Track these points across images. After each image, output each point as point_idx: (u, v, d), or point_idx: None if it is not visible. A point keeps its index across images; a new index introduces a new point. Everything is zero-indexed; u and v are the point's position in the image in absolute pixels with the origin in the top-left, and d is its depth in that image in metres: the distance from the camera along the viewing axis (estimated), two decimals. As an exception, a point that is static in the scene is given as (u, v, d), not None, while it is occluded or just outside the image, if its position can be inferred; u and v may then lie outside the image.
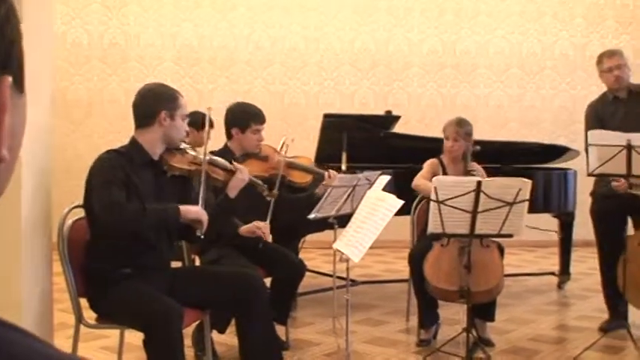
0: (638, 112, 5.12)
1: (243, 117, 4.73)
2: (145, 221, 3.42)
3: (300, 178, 4.94)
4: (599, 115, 5.30)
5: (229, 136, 4.76)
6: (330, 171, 4.99)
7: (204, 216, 3.53)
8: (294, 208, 4.89)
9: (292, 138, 4.88)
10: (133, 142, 3.61)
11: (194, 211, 3.52)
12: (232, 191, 3.85)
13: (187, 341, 4.23)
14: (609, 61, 5.25)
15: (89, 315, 3.62)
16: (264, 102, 8.93)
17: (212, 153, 4.02)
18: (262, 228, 4.43)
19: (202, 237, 3.57)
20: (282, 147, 4.87)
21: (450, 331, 4.92)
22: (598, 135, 4.72)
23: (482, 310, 4.86)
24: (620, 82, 5.22)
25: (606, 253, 5.28)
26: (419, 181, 5.10)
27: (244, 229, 4.45)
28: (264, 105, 8.98)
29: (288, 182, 4.86)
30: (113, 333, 4.37)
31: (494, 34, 9.61)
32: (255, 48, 9.23)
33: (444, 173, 5.11)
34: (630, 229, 5.16)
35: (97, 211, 3.40)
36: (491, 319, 4.98)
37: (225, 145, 4.76)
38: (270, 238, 4.53)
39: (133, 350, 4.22)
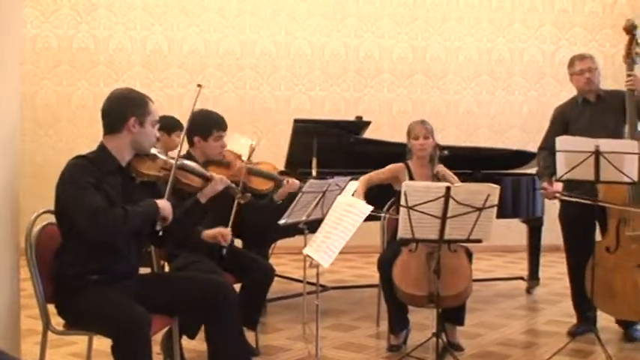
0: (603, 116, 5.17)
1: (206, 124, 4.68)
2: (129, 224, 3.39)
3: (260, 185, 4.86)
4: (566, 118, 5.36)
5: (191, 143, 4.73)
6: (289, 179, 4.97)
7: (170, 211, 3.54)
8: (257, 214, 4.89)
9: (254, 141, 4.84)
10: (102, 148, 3.56)
11: (168, 208, 3.53)
12: (204, 198, 3.86)
13: (156, 348, 4.22)
14: (581, 63, 5.31)
15: (57, 321, 3.58)
16: (234, 107, 8.97)
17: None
18: (225, 235, 4.39)
19: (160, 232, 3.55)
20: (250, 153, 4.83)
21: (420, 336, 4.93)
22: (566, 141, 4.76)
23: (452, 315, 4.88)
24: (591, 85, 5.28)
25: (574, 259, 5.33)
26: (362, 180, 5.13)
27: (208, 233, 4.41)
28: (235, 110, 9.04)
29: (250, 189, 4.78)
30: (81, 339, 4.33)
31: (464, 40, 9.68)
32: (225, 53, 9.21)
33: (411, 178, 5.12)
34: (599, 236, 5.20)
35: (82, 222, 3.34)
36: (461, 323, 5.00)
37: (188, 152, 4.72)
38: (228, 241, 4.47)
39: (102, 357, 4.18)
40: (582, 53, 5.49)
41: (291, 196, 4.79)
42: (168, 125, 5.62)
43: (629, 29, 5.10)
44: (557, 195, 5.09)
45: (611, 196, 4.86)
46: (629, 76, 5.03)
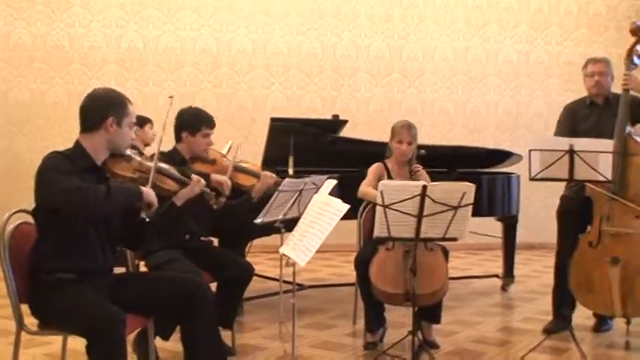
0: (609, 119, 5.20)
1: (195, 121, 4.75)
2: (114, 199, 3.37)
3: (245, 181, 4.97)
4: (574, 116, 5.42)
5: (179, 138, 4.75)
6: (266, 172, 5.03)
7: (155, 198, 3.54)
8: (230, 214, 4.90)
9: (238, 144, 4.87)
10: (77, 145, 3.55)
11: (151, 192, 3.54)
12: (180, 200, 3.87)
13: (130, 348, 4.19)
14: (593, 66, 5.38)
15: (31, 321, 3.54)
16: (211, 105, 8.92)
17: (160, 154, 4.00)
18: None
19: (147, 220, 3.54)
20: (228, 150, 4.88)
21: (396, 334, 4.94)
22: (540, 140, 4.80)
23: (428, 313, 4.90)
24: (599, 88, 5.33)
25: (563, 254, 5.35)
26: (364, 188, 5.13)
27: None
28: (211, 108, 8.93)
29: (236, 185, 4.87)
30: (56, 339, 4.30)
31: (440, 40, 9.71)
32: (201, 51, 9.18)
33: (389, 178, 5.14)
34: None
35: (61, 200, 3.30)
36: (437, 321, 5.02)
37: (174, 148, 4.76)
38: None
39: (76, 357, 4.16)
40: (597, 57, 5.55)
41: (268, 195, 4.80)
42: (138, 120, 5.78)
43: (636, 31, 5.18)
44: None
45: (597, 192, 4.93)
46: (625, 75, 5.10)
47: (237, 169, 4.95)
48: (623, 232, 4.95)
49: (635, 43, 5.19)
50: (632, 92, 5.11)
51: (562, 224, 5.44)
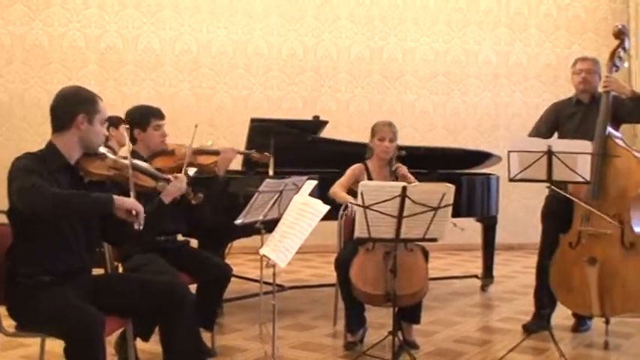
0: (594, 117, 5.23)
1: (142, 115, 4.76)
2: (70, 201, 3.28)
3: (206, 161, 4.99)
4: (558, 114, 5.48)
5: (133, 140, 4.73)
6: (225, 147, 5.11)
7: (139, 206, 3.42)
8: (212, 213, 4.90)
9: (196, 124, 4.82)
10: (50, 145, 3.52)
11: (130, 201, 3.42)
12: (168, 197, 3.86)
13: (110, 349, 4.18)
14: (581, 64, 5.45)
15: (8, 323, 3.52)
16: (191, 106, 8.92)
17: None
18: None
19: (141, 228, 3.47)
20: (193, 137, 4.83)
21: (377, 334, 4.96)
22: (519, 141, 4.83)
23: (408, 313, 4.91)
24: (585, 85, 5.39)
25: (546, 253, 5.38)
26: (336, 189, 5.15)
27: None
28: (191, 109, 9.00)
29: (198, 166, 4.89)
30: (34, 342, 4.26)
31: (420, 41, 9.74)
32: (181, 51, 9.16)
33: (369, 178, 5.15)
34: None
35: (15, 197, 3.28)
36: (417, 321, 5.03)
37: (132, 150, 4.69)
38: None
39: (55, 359, 4.14)
40: (587, 56, 5.62)
41: (248, 196, 4.78)
42: (114, 120, 6.04)
43: (619, 34, 5.25)
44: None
45: (580, 189, 4.97)
46: (606, 77, 5.15)
47: (196, 151, 4.92)
48: (600, 233, 4.98)
49: (618, 46, 5.24)
50: (612, 93, 5.14)
51: (545, 224, 5.48)
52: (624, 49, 5.26)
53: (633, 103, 5.18)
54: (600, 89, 5.22)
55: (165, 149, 4.80)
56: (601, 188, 4.95)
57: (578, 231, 5.07)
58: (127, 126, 4.55)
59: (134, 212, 3.38)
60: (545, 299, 5.31)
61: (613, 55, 5.24)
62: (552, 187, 4.78)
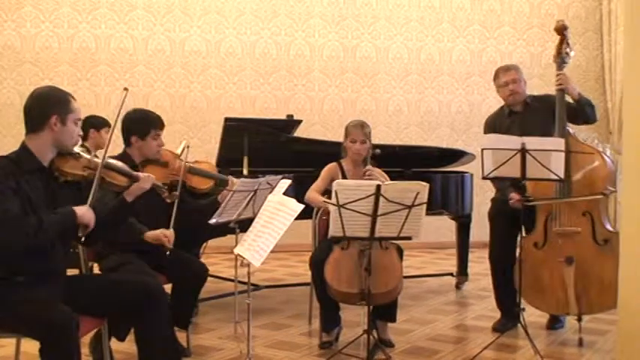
0: (532, 123, 5.25)
1: (143, 124, 4.69)
2: (44, 234, 3.31)
3: (200, 184, 4.92)
4: (496, 129, 5.40)
5: (128, 143, 4.69)
6: (232, 178, 4.98)
7: (92, 218, 3.46)
8: (197, 214, 4.85)
9: (188, 145, 4.82)
10: (23, 147, 3.50)
11: (87, 215, 3.44)
12: (129, 196, 3.81)
13: (85, 349, 4.15)
14: (505, 75, 5.42)
15: (-18, 324, 3.49)
16: (164, 105, 8.88)
17: (111, 158, 3.94)
18: (168, 236, 4.38)
19: (83, 238, 3.49)
20: (182, 151, 4.84)
21: (352, 333, 4.97)
22: (493, 139, 4.84)
23: (383, 312, 4.92)
24: (515, 96, 5.39)
25: (499, 255, 5.42)
26: (311, 194, 5.20)
27: (150, 235, 4.39)
28: (165, 108, 8.94)
29: (189, 188, 4.84)
30: (9, 342, 4.24)
31: (394, 39, 9.77)
32: (155, 50, 9.12)
33: (344, 177, 5.16)
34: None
35: None
36: (392, 320, 5.04)
37: (124, 152, 4.69)
38: (171, 242, 4.46)
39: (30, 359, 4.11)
40: (507, 65, 5.60)
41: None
42: (97, 122, 5.96)
43: (561, 30, 5.24)
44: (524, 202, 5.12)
45: (539, 192, 4.97)
46: (558, 75, 5.15)
47: (191, 171, 4.89)
48: (571, 232, 5.00)
49: (562, 42, 5.23)
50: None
51: (494, 226, 5.49)
52: (568, 44, 5.24)
53: (577, 105, 5.19)
54: (555, 88, 5.18)
55: (158, 159, 4.76)
56: (566, 185, 4.97)
57: (544, 231, 5.09)
58: (109, 129, 4.48)
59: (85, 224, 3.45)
60: (509, 300, 5.29)
61: (559, 51, 5.22)
62: (526, 199, 4.83)
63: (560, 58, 5.21)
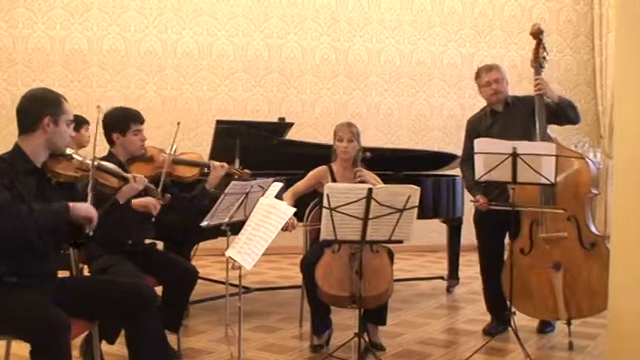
0: (513, 124, 5.26)
1: (122, 120, 4.68)
2: (34, 222, 3.29)
3: (185, 172, 4.92)
4: (477, 130, 5.41)
5: (111, 142, 4.69)
6: (214, 162, 4.99)
7: (93, 212, 3.45)
8: (189, 206, 4.86)
9: (174, 142, 4.80)
10: (16, 148, 3.50)
11: (84, 208, 3.43)
12: (122, 198, 3.82)
13: (75, 352, 4.14)
14: (487, 75, 5.40)
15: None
16: (156, 107, 8.87)
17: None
18: (155, 203, 4.34)
19: (92, 234, 3.47)
20: (172, 147, 4.81)
21: (343, 336, 4.96)
22: (485, 143, 4.84)
23: (373, 315, 4.93)
24: (498, 95, 5.37)
25: (487, 261, 5.43)
26: (287, 195, 5.15)
27: (136, 202, 4.35)
28: (157, 110, 8.93)
29: (176, 177, 4.83)
30: (-1, 344, 4.23)
31: (386, 42, 9.78)
32: (146, 52, 9.11)
33: (334, 180, 5.16)
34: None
35: None
36: (383, 323, 5.04)
37: (110, 152, 4.68)
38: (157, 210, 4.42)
39: (20, 362, 4.10)
40: (489, 64, 5.58)
41: (215, 198, 4.77)
42: (76, 121, 5.89)
43: (537, 34, 5.24)
44: (489, 205, 5.13)
45: (523, 197, 4.95)
46: (536, 79, 5.15)
47: (176, 161, 4.89)
48: (557, 237, 5.01)
49: (538, 46, 5.23)
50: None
51: (481, 231, 5.48)
52: (544, 47, 5.25)
53: (558, 107, 5.20)
54: (533, 92, 5.17)
55: (144, 154, 4.75)
56: (552, 191, 4.97)
57: (530, 236, 5.09)
58: (89, 126, 4.49)
59: (88, 218, 3.43)
60: (500, 304, 5.29)
61: (537, 55, 5.22)
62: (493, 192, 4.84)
63: (538, 63, 5.22)
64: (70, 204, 3.41)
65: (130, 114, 4.74)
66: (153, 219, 4.67)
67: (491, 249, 5.36)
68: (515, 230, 5.09)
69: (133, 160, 4.69)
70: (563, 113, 5.21)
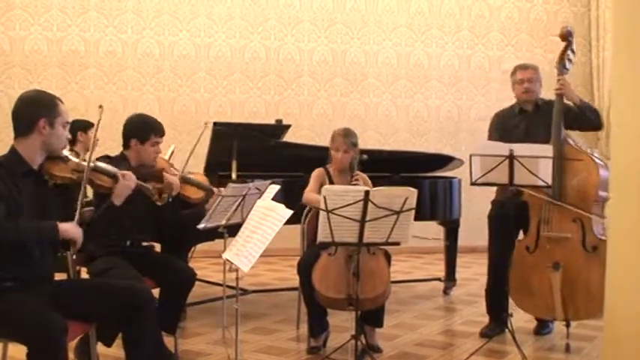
0: (538, 126, 5.26)
1: (144, 129, 4.70)
2: (21, 238, 3.33)
3: (193, 194, 4.94)
4: (504, 125, 5.46)
5: (127, 145, 4.69)
6: (221, 189, 4.99)
7: (78, 236, 3.47)
8: (183, 223, 4.88)
9: (174, 150, 4.81)
10: (13, 151, 3.51)
11: (71, 230, 3.45)
12: (118, 199, 3.82)
13: (71, 354, 4.14)
14: (522, 73, 5.45)
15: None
16: (153, 109, 8.86)
17: (109, 158, 3.94)
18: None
19: (74, 256, 3.50)
20: (171, 155, 4.84)
21: (339, 338, 4.97)
22: (481, 145, 4.85)
23: (370, 317, 4.93)
24: (529, 95, 5.40)
25: (496, 259, 5.41)
26: (308, 195, 5.13)
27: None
28: (154, 112, 8.90)
29: (183, 197, 4.84)
30: (-5, 347, 4.22)
31: (383, 44, 9.78)
32: (144, 54, 9.10)
33: (330, 183, 5.15)
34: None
35: None
36: (380, 325, 5.04)
37: (122, 154, 4.69)
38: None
39: (16, 365, 4.09)
40: (525, 63, 5.64)
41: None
42: (82, 125, 6.15)
43: (565, 36, 5.26)
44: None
45: (535, 197, 4.98)
46: (559, 80, 5.17)
47: (185, 180, 4.91)
48: (561, 237, 5.02)
49: (566, 48, 5.26)
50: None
51: (494, 228, 5.48)
52: (572, 50, 5.27)
53: (579, 111, 5.22)
54: (554, 92, 5.20)
55: (153, 166, 4.74)
56: (560, 192, 4.99)
57: (537, 235, 5.11)
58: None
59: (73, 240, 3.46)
60: (500, 305, 5.27)
61: (562, 57, 5.25)
62: (524, 189, 4.83)
63: (562, 64, 5.24)
64: (60, 227, 3.42)
65: (154, 125, 4.75)
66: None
67: (502, 247, 5.33)
68: (527, 228, 5.14)
69: (141, 168, 4.68)
70: (584, 116, 5.22)
